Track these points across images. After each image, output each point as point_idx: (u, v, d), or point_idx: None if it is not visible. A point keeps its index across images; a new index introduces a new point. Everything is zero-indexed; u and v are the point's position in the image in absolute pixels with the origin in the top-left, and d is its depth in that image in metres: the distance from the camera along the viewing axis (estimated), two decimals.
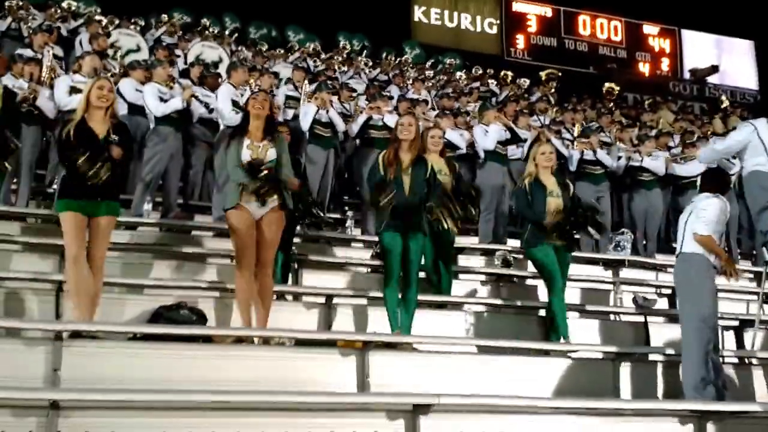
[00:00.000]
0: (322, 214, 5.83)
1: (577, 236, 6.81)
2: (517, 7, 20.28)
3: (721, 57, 20.39)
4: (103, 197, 4.32)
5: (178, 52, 9.71)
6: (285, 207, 4.64)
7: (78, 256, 4.24)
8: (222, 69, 8.71)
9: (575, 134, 9.02)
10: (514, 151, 8.15)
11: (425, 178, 5.01)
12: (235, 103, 6.76)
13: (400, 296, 4.94)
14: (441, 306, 5.71)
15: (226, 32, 11.79)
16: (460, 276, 6.41)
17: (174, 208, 6.77)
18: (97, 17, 9.96)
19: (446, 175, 5.55)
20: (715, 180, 5.10)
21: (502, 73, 14.34)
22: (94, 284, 4.30)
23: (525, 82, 13.96)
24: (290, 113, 8.13)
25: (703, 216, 4.74)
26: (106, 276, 4.54)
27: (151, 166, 6.53)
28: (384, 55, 13.44)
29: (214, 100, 7.06)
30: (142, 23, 10.80)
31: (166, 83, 6.93)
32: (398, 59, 13.49)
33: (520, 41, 19.94)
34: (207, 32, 11.16)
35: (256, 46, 11.97)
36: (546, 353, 5.11)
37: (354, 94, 9.15)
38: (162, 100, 6.64)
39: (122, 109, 6.85)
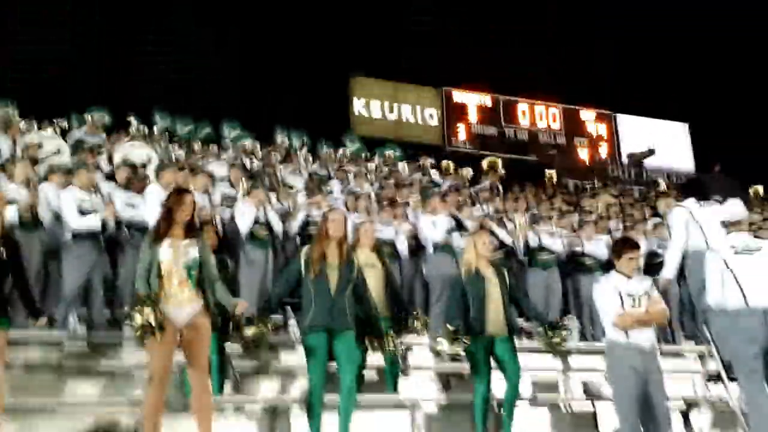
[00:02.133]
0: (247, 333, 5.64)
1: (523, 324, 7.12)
2: (457, 96, 21.44)
3: (657, 140, 21.78)
4: None
5: (102, 152, 9.70)
6: (209, 309, 4.59)
7: None
8: (151, 170, 8.75)
9: (518, 222, 9.46)
10: (459, 241, 8.35)
11: (351, 277, 5.01)
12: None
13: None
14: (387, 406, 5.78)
15: (155, 130, 11.82)
16: (409, 372, 6.52)
17: (101, 321, 6.60)
18: (15, 119, 9.97)
19: (377, 269, 5.79)
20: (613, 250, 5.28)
21: (444, 163, 14.93)
22: None
23: (468, 171, 14.53)
24: (228, 213, 8.13)
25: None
26: (27, 395, 4.47)
27: (71, 281, 6.42)
28: (324, 149, 13.84)
29: (142, 203, 7.10)
30: (64, 124, 10.78)
31: (87, 189, 6.91)
32: (338, 153, 13.89)
33: (461, 131, 20.95)
34: (133, 131, 11.14)
35: (188, 145, 12.11)
36: None
37: (293, 191, 9.42)
38: (81, 209, 6.62)
39: (46, 217, 6.90)
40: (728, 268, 5.03)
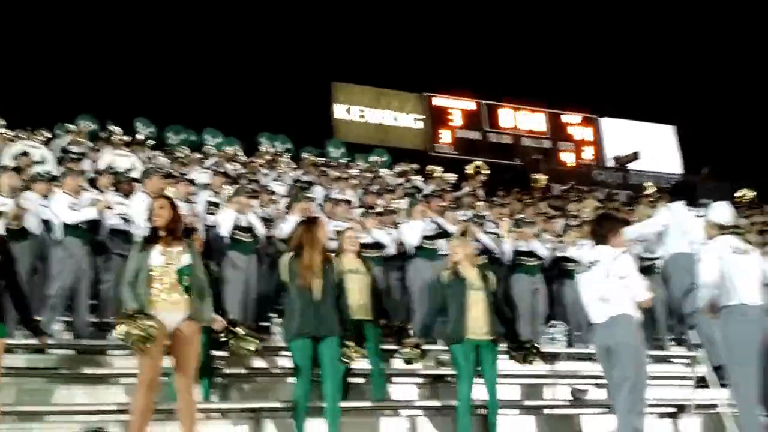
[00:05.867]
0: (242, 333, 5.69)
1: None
2: (439, 101, 21.60)
3: (644, 143, 21.98)
4: None
5: (86, 161, 9.81)
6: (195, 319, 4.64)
7: None
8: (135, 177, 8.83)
9: (505, 227, 9.57)
10: (442, 246, 8.40)
11: (334, 281, 5.20)
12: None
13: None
14: (374, 410, 5.87)
15: (139, 138, 11.89)
16: (394, 379, 6.60)
17: (86, 328, 6.70)
18: (2, 130, 10.02)
19: (363, 274, 5.88)
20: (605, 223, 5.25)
21: (428, 168, 15.01)
22: None
23: (452, 176, 14.62)
24: (211, 219, 8.28)
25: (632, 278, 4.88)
26: (6, 404, 4.50)
27: (59, 283, 6.48)
28: (306, 155, 13.91)
29: (128, 207, 7.22)
30: (49, 135, 10.86)
31: (75, 193, 7.01)
32: (320, 159, 13.97)
33: (445, 136, 21.10)
34: (116, 140, 11.22)
35: (172, 152, 12.16)
36: None
37: (274, 197, 9.51)
38: (72, 210, 6.70)
39: (33, 226, 6.90)
40: (726, 264, 5.14)
